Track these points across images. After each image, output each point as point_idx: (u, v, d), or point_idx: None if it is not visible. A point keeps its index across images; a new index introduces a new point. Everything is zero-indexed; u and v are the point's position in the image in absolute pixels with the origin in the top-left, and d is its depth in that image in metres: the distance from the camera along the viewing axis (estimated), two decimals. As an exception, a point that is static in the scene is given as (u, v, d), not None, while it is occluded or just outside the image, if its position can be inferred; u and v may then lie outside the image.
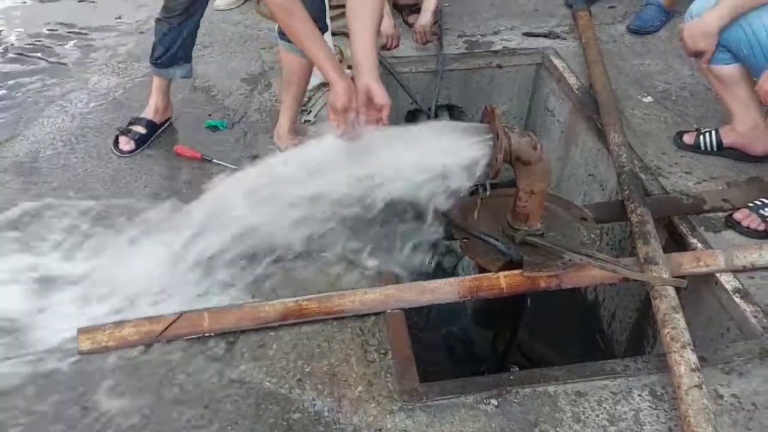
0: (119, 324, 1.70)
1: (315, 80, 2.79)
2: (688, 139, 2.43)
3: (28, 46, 3.24)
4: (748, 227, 2.03)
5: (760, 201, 2.06)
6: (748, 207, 2.07)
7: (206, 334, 1.72)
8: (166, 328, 1.68)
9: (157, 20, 2.43)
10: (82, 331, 1.68)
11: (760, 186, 2.24)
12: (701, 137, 2.39)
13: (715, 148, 2.37)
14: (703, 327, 1.98)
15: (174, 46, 2.43)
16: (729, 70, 2.24)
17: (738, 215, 2.06)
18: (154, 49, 2.47)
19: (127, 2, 3.68)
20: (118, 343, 1.68)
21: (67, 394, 1.60)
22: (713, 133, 2.38)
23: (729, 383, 1.63)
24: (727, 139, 2.35)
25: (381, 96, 1.74)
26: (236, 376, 1.64)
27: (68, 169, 2.38)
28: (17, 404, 1.58)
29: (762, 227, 2.02)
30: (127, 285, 1.83)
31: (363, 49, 1.79)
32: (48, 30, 3.37)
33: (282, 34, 2.27)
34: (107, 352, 1.67)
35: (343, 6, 3.53)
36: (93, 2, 3.71)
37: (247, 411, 1.56)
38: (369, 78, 1.75)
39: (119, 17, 3.52)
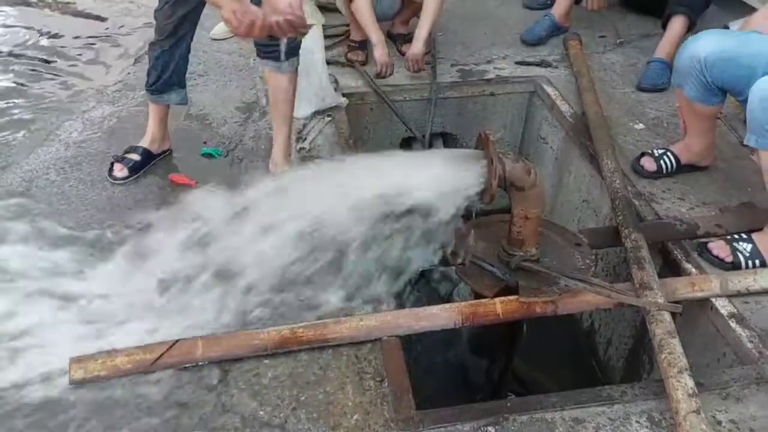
0: (111, 353, 1.68)
1: (309, 109, 2.81)
2: (649, 166, 2.47)
3: (21, 74, 3.25)
4: (717, 256, 2.05)
5: (739, 235, 2.09)
6: (725, 239, 2.08)
7: (200, 363, 1.70)
8: (160, 356, 1.66)
9: (150, 44, 2.45)
10: (74, 360, 1.66)
11: (751, 211, 2.25)
12: (661, 161, 2.45)
13: (674, 169, 2.45)
14: (699, 352, 1.98)
15: (167, 71, 2.44)
16: (709, 108, 2.27)
17: (712, 245, 2.07)
18: (148, 75, 2.48)
19: (120, 30, 3.71)
20: (111, 372, 1.65)
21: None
22: (669, 155, 2.45)
23: (726, 409, 1.62)
24: (684, 158, 2.45)
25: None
26: (230, 405, 1.62)
27: (62, 196, 2.37)
28: None
29: (729, 259, 2.03)
30: None
31: None
32: (42, 58, 3.39)
33: (260, 53, 2.29)
34: (99, 381, 1.65)
35: (338, 36, 3.58)
36: (97, 22, 3.73)
37: (241, 440, 1.54)
38: None
39: (114, 46, 3.54)
